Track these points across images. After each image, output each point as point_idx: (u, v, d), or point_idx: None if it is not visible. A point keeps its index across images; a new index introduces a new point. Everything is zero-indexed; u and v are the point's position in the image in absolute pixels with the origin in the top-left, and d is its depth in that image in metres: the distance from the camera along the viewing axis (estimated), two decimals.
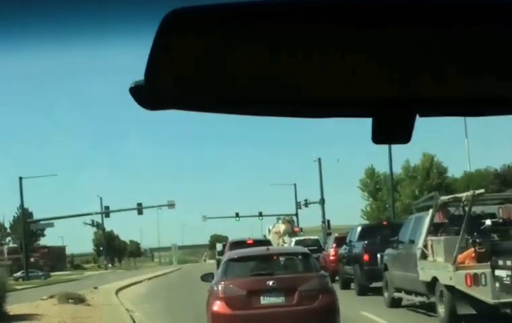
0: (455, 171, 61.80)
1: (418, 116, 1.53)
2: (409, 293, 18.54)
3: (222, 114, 1.56)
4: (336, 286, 29.45)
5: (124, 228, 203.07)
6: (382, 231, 26.36)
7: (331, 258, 33.49)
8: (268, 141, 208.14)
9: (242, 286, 11.46)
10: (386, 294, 20.39)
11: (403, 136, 1.56)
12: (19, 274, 70.76)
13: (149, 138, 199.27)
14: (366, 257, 24.51)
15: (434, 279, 15.58)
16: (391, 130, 1.55)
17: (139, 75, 1.42)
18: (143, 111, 1.49)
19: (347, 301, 22.85)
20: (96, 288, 35.73)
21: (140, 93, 1.46)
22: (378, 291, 24.94)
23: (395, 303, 19.83)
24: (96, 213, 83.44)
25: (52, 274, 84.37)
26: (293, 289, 11.43)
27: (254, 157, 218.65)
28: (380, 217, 71.81)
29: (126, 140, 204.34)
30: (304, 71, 1.42)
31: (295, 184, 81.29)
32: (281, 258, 12.95)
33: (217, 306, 11.38)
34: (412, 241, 17.74)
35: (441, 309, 15.44)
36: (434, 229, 16.57)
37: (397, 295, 19.51)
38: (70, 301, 24.05)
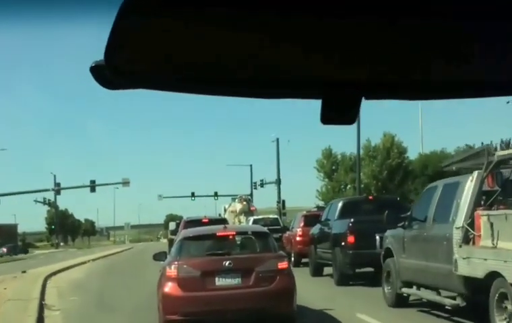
0: (410, 153, 56.30)
1: (363, 99, 1.49)
2: (427, 290, 12.56)
3: (179, 92, 1.50)
4: (303, 271, 24.22)
5: (80, 207, 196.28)
6: (367, 207, 20.52)
7: (298, 238, 27.48)
8: (225, 122, 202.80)
9: (197, 267, 10.55)
10: (388, 289, 14.32)
11: (349, 117, 1.51)
12: None
13: (105, 117, 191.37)
14: (351, 238, 18.42)
15: (492, 275, 9.59)
16: (338, 112, 1.50)
17: (99, 54, 1.34)
18: (101, 90, 1.45)
19: (329, 295, 16.76)
20: (24, 272, 29.06)
21: (100, 72, 1.41)
22: (361, 278, 18.98)
23: (401, 302, 13.80)
24: (46, 190, 77.95)
25: None
26: (250, 270, 10.54)
27: (210, 138, 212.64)
28: (335, 198, 67.44)
29: (82, 119, 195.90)
30: (254, 52, 1.37)
31: (251, 165, 77.77)
32: (239, 238, 11.70)
33: (169, 287, 10.43)
34: (441, 218, 11.70)
35: (501, 320, 9.48)
36: (480, 199, 10.57)
37: (406, 291, 13.46)
38: None
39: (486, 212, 10.09)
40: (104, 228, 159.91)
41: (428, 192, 12.96)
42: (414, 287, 13.10)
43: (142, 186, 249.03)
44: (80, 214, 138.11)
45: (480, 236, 10.03)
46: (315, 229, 22.96)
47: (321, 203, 65.63)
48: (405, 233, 13.32)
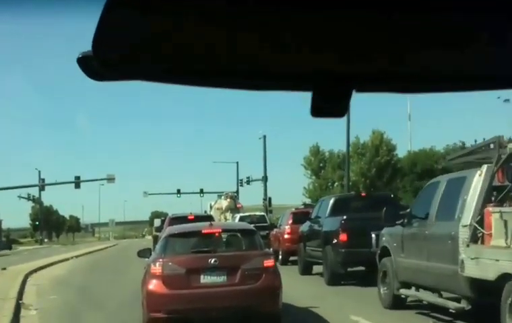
0: (398, 151, 55.48)
1: (354, 91, 1.46)
2: (427, 291, 11.73)
3: (167, 84, 1.49)
4: (291, 269, 23.38)
5: (65, 203, 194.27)
6: (360, 204, 19.69)
7: (286, 236, 26.63)
8: (212, 118, 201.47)
9: (182, 264, 10.31)
10: (384, 289, 13.47)
11: (339, 110, 1.49)
12: None
13: (91, 113, 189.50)
14: (343, 236, 17.56)
15: (504, 277, 8.74)
16: (328, 104, 1.48)
17: (86, 47, 1.33)
18: (87, 85, 1.13)
19: (319, 295, 15.91)
20: (4, 269, 27.95)
21: (88, 63, 1.40)
22: (353, 278, 18.13)
23: (398, 303, 12.96)
24: (31, 186, 76.78)
25: None
26: (235, 268, 10.30)
27: (197, 134, 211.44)
28: (323, 196, 66.72)
29: (68, 114, 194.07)
30: (244, 43, 1.34)
31: (237, 162, 77.06)
32: (225, 235, 11.46)
33: (154, 285, 10.17)
34: (445, 216, 10.85)
35: None
36: (490, 195, 9.72)
37: (404, 292, 12.62)
38: None
39: (498, 209, 9.23)
40: (90, 224, 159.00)
41: (429, 188, 12.09)
42: (413, 288, 12.26)
43: (127, 183, 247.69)
44: (65, 211, 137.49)
45: (490, 235, 9.19)
46: (305, 227, 22.11)
47: (308, 201, 64.92)
48: (404, 231, 12.47)
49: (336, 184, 62.06)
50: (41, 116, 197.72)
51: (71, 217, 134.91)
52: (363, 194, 21.77)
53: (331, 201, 19.98)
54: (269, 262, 10.53)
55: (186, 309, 10.00)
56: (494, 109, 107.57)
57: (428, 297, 11.58)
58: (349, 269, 18.27)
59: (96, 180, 73.25)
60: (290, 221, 26.92)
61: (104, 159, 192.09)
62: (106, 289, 19.66)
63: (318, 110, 1.46)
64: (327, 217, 19.44)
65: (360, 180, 51.70)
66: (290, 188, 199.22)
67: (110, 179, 69.06)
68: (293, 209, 29.07)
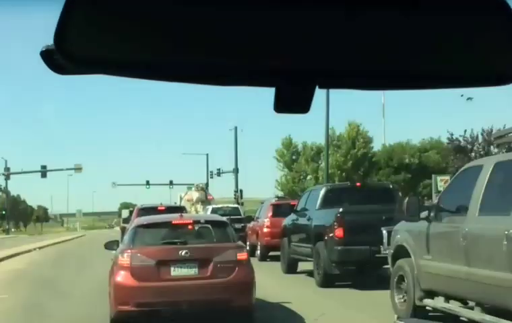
0: (374, 144, 53.17)
1: (317, 87, 1.43)
2: (466, 306, 9.15)
3: (130, 78, 1.41)
4: (272, 267, 20.84)
5: (34, 194, 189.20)
6: (354, 195, 17.15)
7: (266, 230, 24.01)
8: (181, 109, 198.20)
9: (151, 256, 9.77)
10: (399, 297, 10.86)
11: (303, 106, 1.45)
12: None
13: (58, 103, 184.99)
14: (339, 231, 14.95)
15: None
16: (292, 100, 1.44)
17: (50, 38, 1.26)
18: (52, 75, 1.40)
19: (314, 299, 13.32)
20: None
21: (51, 57, 1.38)
22: (346, 279, 15.54)
23: (418, 315, 10.33)
24: None
25: None
26: (207, 260, 9.78)
27: (166, 125, 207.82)
28: (295, 188, 64.53)
29: (35, 104, 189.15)
30: (206, 37, 1.32)
31: (207, 154, 74.45)
32: (196, 226, 10.60)
33: (121, 276, 9.61)
34: (495, 209, 8.26)
35: None
36: None
37: (430, 303, 10.01)
38: None
39: None
40: (58, 215, 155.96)
41: (466, 175, 9.45)
42: (442, 299, 9.67)
43: (96, 174, 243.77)
44: (33, 201, 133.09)
45: None
46: (288, 220, 19.46)
47: (280, 193, 62.50)
48: (430, 227, 9.85)
49: (309, 176, 59.66)
50: (6, 106, 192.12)
51: (39, 207, 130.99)
52: (358, 183, 19.04)
53: (322, 191, 17.28)
54: (242, 255, 10.10)
55: (155, 302, 9.57)
56: (460, 107, 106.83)
57: (468, 313, 8.98)
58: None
59: (63, 169, 70.33)
60: (270, 214, 24.29)
61: (72, 150, 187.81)
62: (66, 287, 16.80)
63: (282, 105, 1.43)
64: (318, 209, 16.80)
65: (336, 172, 49.30)
66: (261, 181, 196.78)
67: (78, 169, 66.64)
68: (273, 200, 26.37)
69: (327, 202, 16.72)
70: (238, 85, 1.44)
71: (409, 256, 10.49)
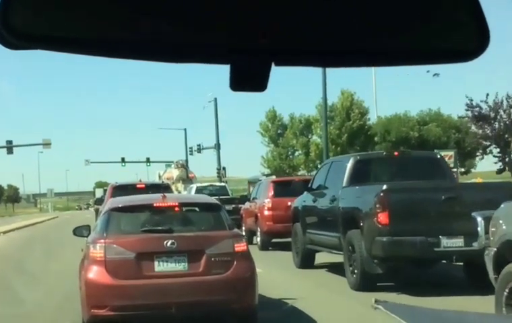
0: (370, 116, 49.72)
1: (273, 65, 1.40)
2: None
3: (78, 54, 1.38)
4: (277, 257, 17.53)
5: (5, 173, 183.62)
6: (394, 167, 13.50)
7: (267, 212, 20.24)
8: (157, 82, 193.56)
9: (130, 247, 8.30)
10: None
11: (259, 84, 1.42)
12: None
13: (20, 77, 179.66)
14: (383, 217, 11.17)
15: None
16: (247, 78, 1.42)
17: None
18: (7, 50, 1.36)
19: (351, 307, 9.49)
20: None
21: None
22: (388, 279, 11.79)
23: None
24: None
25: None
26: (199, 252, 8.41)
27: (141, 100, 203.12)
28: (282, 165, 60.99)
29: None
30: (157, 13, 1.29)
31: (185, 129, 69.20)
32: (184, 210, 9.32)
33: (95, 273, 8.21)
34: None
35: None
36: None
37: None
38: None
39: None
40: (31, 195, 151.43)
41: None
42: None
43: (69, 151, 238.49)
44: (3, 180, 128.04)
45: None
46: (300, 201, 15.64)
47: (267, 171, 58.88)
48: None
49: (299, 152, 56.09)
50: None
51: (9, 186, 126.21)
52: (396, 153, 15.19)
53: (350, 163, 13.33)
54: (240, 246, 8.73)
55: (137, 305, 8.14)
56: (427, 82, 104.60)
57: None
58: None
59: (31, 145, 66.22)
60: (271, 193, 20.47)
61: (41, 127, 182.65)
62: (28, 283, 12.88)
63: (238, 83, 1.39)
64: (345, 186, 13.00)
65: (330, 147, 45.73)
66: (245, 159, 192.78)
67: (47, 144, 62.29)
68: (273, 177, 22.73)
69: (358, 176, 12.89)
70: (192, 61, 1.41)
71: None
